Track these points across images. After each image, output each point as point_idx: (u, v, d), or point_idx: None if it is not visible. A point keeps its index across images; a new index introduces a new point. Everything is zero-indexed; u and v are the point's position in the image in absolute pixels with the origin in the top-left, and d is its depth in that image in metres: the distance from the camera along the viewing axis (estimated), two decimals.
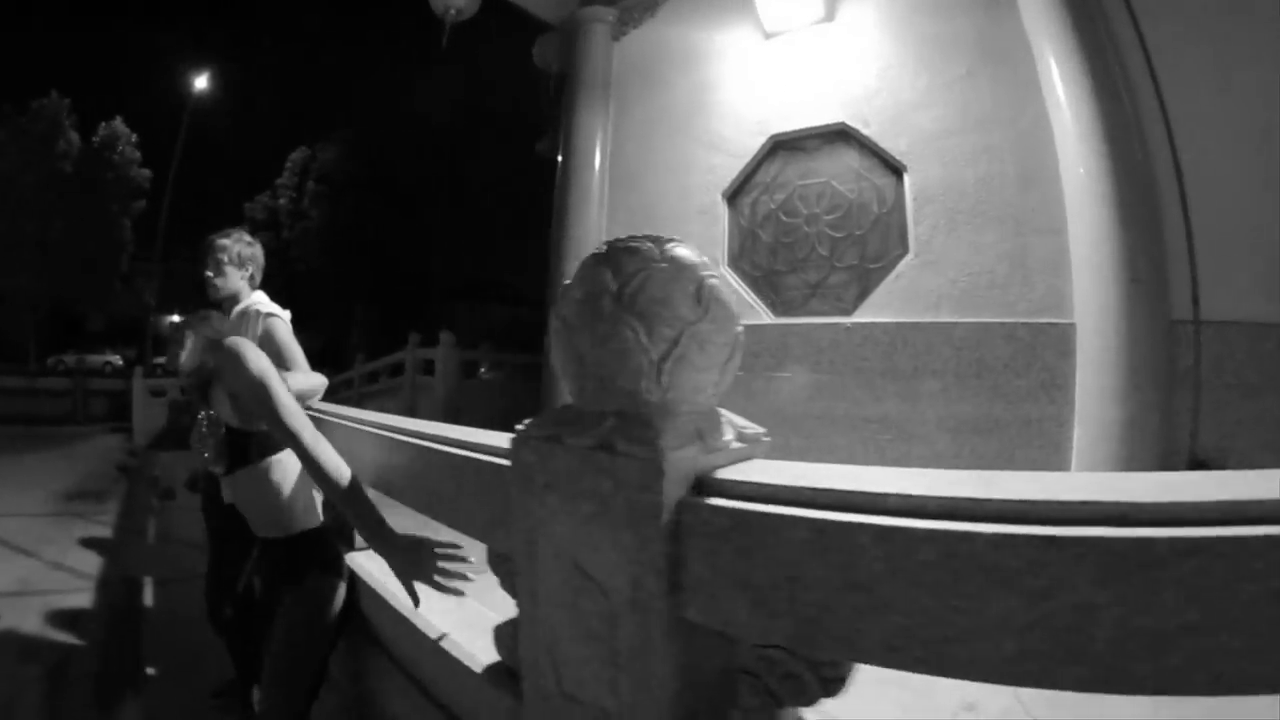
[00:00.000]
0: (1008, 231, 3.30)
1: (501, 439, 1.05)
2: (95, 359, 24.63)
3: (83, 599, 3.45)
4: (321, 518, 1.57)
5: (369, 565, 1.77)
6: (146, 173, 21.70)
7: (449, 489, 1.12)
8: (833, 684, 0.68)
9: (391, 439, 1.35)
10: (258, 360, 1.32)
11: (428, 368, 8.24)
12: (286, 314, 2.14)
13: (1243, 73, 2.96)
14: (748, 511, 0.64)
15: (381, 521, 1.22)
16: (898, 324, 3.46)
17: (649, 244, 0.75)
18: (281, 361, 1.93)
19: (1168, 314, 2.93)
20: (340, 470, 1.25)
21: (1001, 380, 3.17)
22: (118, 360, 25.25)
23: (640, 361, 0.73)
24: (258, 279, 2.29)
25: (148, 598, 3.51)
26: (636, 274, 0.74)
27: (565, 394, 0.81)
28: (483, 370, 10.49)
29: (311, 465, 1.26)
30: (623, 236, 0.80)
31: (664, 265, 0.74)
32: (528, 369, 8.44)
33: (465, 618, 1.33)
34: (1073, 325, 3.08)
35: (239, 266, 2.24)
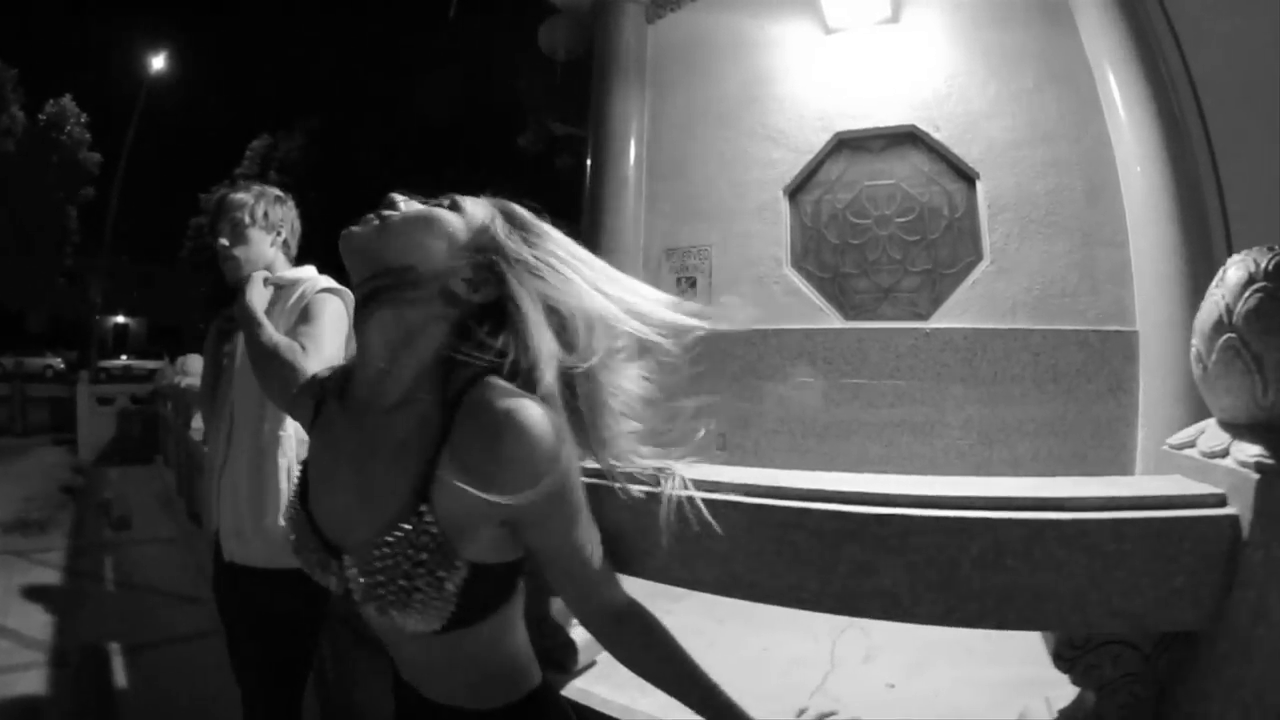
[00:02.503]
0: (1076, 243, 3.71)
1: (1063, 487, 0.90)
2: (35, 362, 23.44)
3: (32, 681, 2.71)
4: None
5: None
6: (96, 157, 20.58)
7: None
8: None
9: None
10: (557, 443, 0.74)
11: None
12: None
13: (1273, 98, 3.45)
14: None
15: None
16: (976, 330, 3.82)
17: None
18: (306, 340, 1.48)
19: None
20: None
21: (1074, 385, 3.64)
22: (59, 364, 24.03)
23: None
24: (293, 247, 1.82)
25: (119, 673, 2.88)
26: None
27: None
28: None
29: (644, 642, 0.83)
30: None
31: None
32: None
33: None
34: (1136, 333, 3.56)
35: (267, 230, 1.73)
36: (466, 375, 0.77)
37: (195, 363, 5.18)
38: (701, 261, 4.77)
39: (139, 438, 8.79)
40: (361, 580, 0.73)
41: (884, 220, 4.25)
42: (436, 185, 0.94)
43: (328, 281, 1.70)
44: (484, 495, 0.70)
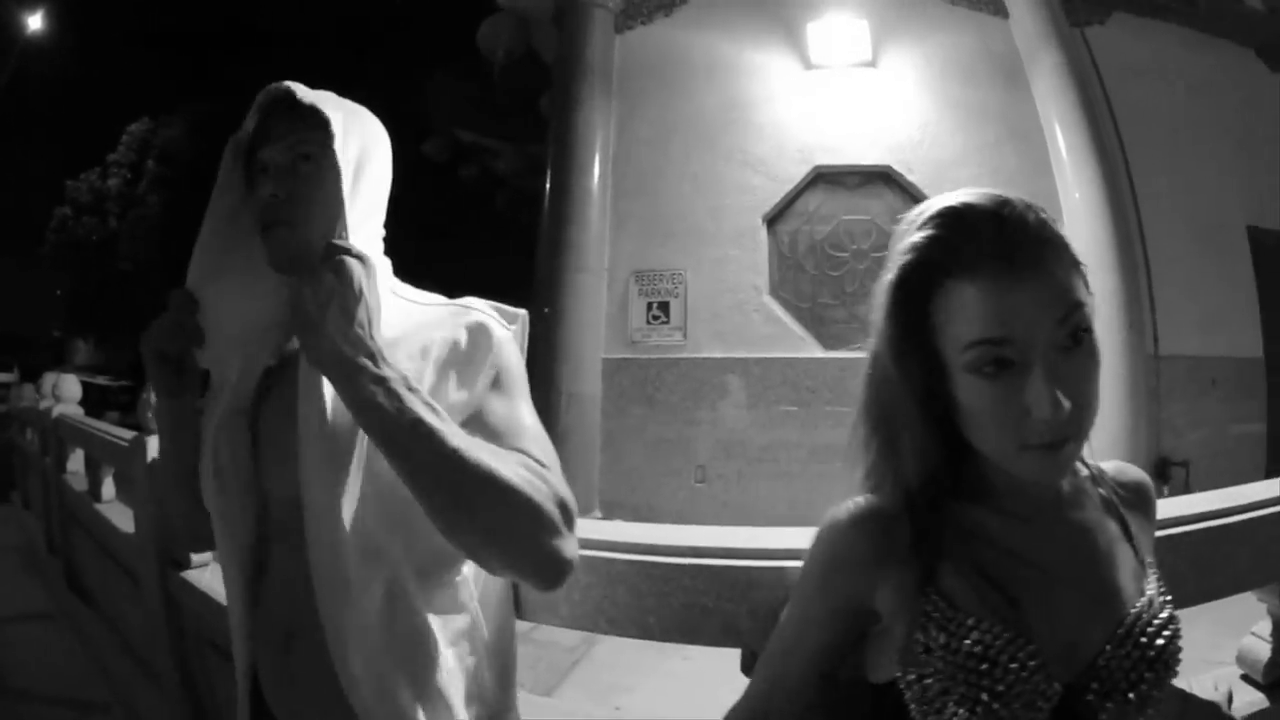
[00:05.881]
0: None
1: None
2: None
3: None
4: None
5: None
6: None
7: None
8: None
9: None
10: None
11: None
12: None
13: (1186, 171, 4.29)
14: None
15: None
16: None
17: None
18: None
19: (1145, 350, 4.16)
20: None
21: None
22: None
23: None
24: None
25: None
26: None
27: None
28: None
29: None
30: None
31: None
32: None
33: None
34: None
35: (358, 176, 0.82)
36: None
37: (70, 386, 4.14)
38: (675, 286, 4.81)
39: None
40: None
41: (860, 254, 4.60)
42: None
43: (482, 305, 0.86)
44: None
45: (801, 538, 0.93)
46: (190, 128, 19.47)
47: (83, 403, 4.40)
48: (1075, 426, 0.61)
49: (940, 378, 0.64)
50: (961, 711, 0.62)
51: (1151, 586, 0.69)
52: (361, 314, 0.67)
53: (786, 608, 0.78)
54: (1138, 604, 0.67)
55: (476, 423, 0.74)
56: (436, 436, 0.64)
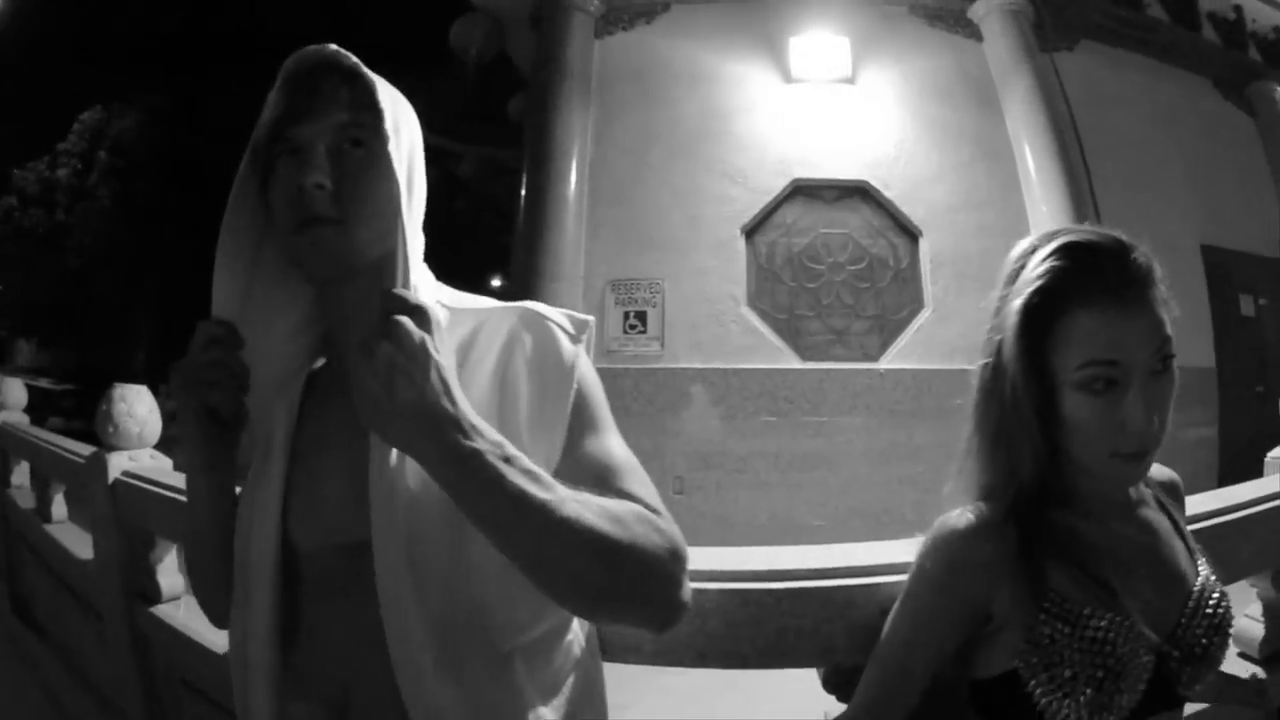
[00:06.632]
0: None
1: None
2: None
3: None
4: None
5: None
6: None
7: None
8: None
9: None
10: None
11: None
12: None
13: (1146, 191, 4.48)
14: None
15: None
16: (922, 370, 4.41)
17: None
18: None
19: None
20: None
21: None
22: None
23: None
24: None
25: None
26: None
27: None
28: None
29: None
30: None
31: None
32: None
33: None
34: None
35: (411, 175, 0.69)
36: None
37: (15, 392, 3.90)
38: (653, 295, 4.81)
39: None
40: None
41: (837, 267, 4.68)
42: None
43: (549, 311, 0.74)
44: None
45: (896, 551, 1.01)
46: (146, 118, 18.78)
47: (27, 409, 4.17)
48: (1156, 440, 0.73)
49: (1046, 393, 0.75)
50: (1089, 691, 0.72)
51: (1204, 567, 0.83)
52: (434, 380, 0.55)
53: (894, 618, 0.84)
54: (1197, 583, 0.80)
55: (569, 465, 0.67)
56: (544, 511, 0.56)
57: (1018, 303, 0.75)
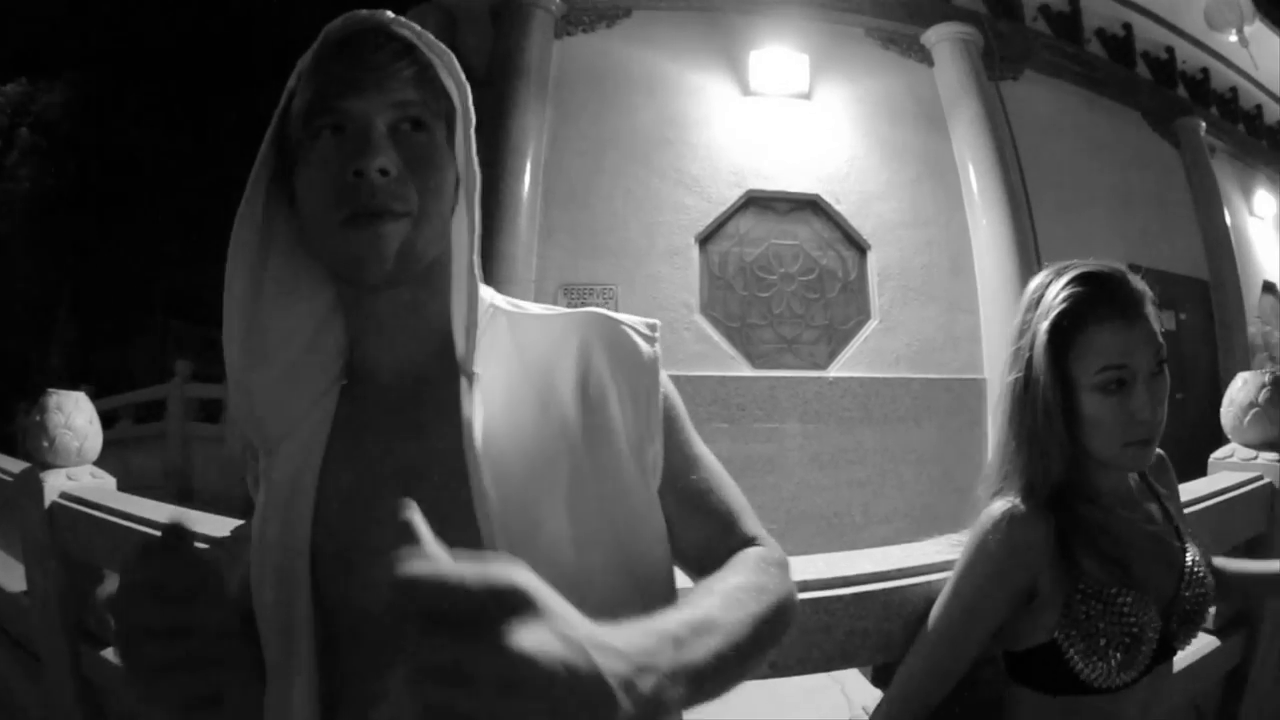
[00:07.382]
0: (943, 308, 4.66)
1: None
2: None
3: None
4: None
5: None
6: None
7: None
8: None
9: None
10: None
11: (206, 410, 6.51)
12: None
13: (1079, 212, 4.73)
14: None
15: None
16: (869, 378, 4.57)
17: None
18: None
19: None
20: None
21: (943, 421, 4.60)
22: None
23: None
24: None
25: None
26: None
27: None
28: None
29: None
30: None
31: None
32: None
33: None
34: (984, 380, 4.59)
35: (468, 166, 0.61)
36: None
37: None
38: (605, 301, 4.84)
39: None
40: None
41: (788, 277, 4.78)
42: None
43: (620, 317, 0.69)
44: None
45: (929, 552, 1.13)
46: (74, 95, 17.74)
47: None
48: (1159, 428, 0.92)
49: (1068, 397, 0.91)
50: (1119, 655, 0.89)
51: (1191, 544, 1.01)
52: (553, 655, 0.34)
53: (947, 602, 0.99)
54: (1188, 557, 0.99)
55: (669, 494, 0.62)
56: (736, 649, 0.49)
57: (1045, 324, 0.92)
